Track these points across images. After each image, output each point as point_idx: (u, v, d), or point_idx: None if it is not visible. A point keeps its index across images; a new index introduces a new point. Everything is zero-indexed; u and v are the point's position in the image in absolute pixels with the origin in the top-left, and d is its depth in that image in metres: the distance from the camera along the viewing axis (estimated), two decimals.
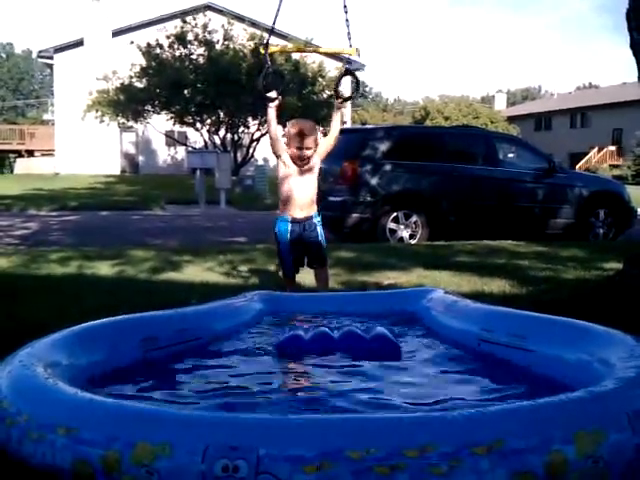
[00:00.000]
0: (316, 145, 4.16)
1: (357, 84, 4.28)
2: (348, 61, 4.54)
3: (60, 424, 1.83)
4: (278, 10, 4.17)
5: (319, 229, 4.28)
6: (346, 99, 4.31)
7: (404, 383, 2.57)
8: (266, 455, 1.62)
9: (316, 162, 4.19)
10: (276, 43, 22.18)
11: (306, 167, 4.16)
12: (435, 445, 1.64)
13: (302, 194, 4.17)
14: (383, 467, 1.60)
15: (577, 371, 2.44)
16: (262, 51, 4.21)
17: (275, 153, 4.23)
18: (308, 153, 4.11)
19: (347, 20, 4.15)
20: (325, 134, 4.50)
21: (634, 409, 1.84)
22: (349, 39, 4.21)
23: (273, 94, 4.09)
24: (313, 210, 4.25)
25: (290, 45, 23.56)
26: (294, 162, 4.15)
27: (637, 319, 3.43)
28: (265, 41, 4.29)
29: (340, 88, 4.23)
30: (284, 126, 4.47)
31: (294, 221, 4.19)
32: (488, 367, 2.80)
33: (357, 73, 4.42)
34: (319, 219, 4.30)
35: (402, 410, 2.25)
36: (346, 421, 1.83)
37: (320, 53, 4.43)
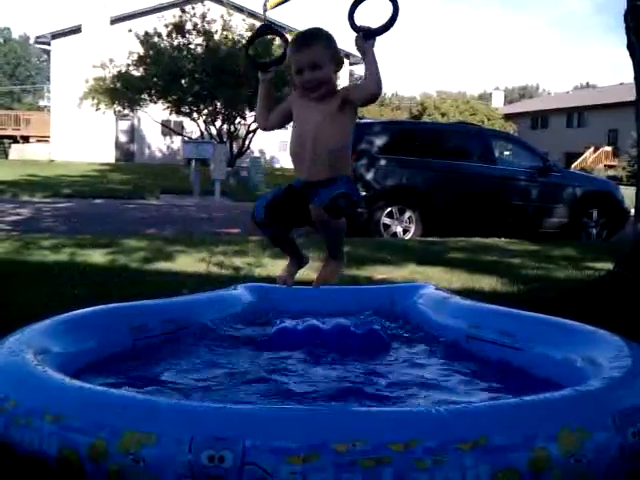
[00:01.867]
0: (334, 63, 2.59)
1: (396, 7, 2.51)
2: None
3: (48, 411, 1.83)
4: None
5: (340, 204, 2.58)
6: (375, 32, 2.50)
7: (392, 377, 2.58)
8: (252, 446, 1.63)
9: (345, 96, 2.58)
10: (270, 38, 22.20)
11: (321, 97, 2.59)
12: (420, 440, 1.65)
13: (317, 139, 2.59)
14: (368, 460, 1.61)
15: (563, 370, 2.45)
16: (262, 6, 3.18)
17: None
18: (316, 75, 2.54)
19: None
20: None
21: (619, 409, 1.85)
22: None
23: (267, 60, 2.84)
24: (336, 172, 2.63)
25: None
26: (303, 95, 2.65)
27: (626, 319, 3.45)
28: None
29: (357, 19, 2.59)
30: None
31: (300, 183, 2.69)
32: (476, 364, 2.81)
33: (356, 67, 3.32)
34: (344, 190, 2.58)
35: (389, 404, 2.26)
36: (332, 414, 1.84)
37: None
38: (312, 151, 2.56)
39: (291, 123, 2.76)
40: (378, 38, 2.49)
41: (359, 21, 2.56)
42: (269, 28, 2.94)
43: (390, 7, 2.51)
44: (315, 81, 2.52)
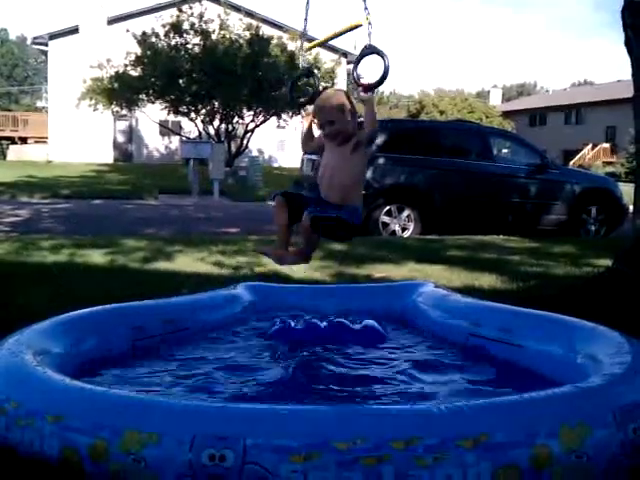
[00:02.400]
0: (348, 113, 3.16)
1: (385, 64, 3.17)
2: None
3: (48, 412, 1.83)
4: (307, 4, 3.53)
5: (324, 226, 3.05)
6: (372, 86, 3.18)
7: (391, 375, 2.58)
8: (253, 445, 1.62)
9: (356, 139, 3.16)
10: (269, 35, 22.06)
11: (339, 143, 3.19)
12: (421, 437, 1.65)
13: (333, 174, 3.15)
14: (369, 458, 1.61)
15: (564, 367, 2.45)
16: (298, 47, 3.76)
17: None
18: (332, 128, 3.15)
19: None
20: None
21: (619, 405, 1.85)
22: (365, 8, 3.32)
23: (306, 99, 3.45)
24: (345, 201, 3.10)
25: (285, 38, 23.50)
26: (326, 139, 3.26)
27: (625, 315, 3.45)
28: (303, 30, 3.54)
29: (359, 73, 3.34)
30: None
31: (318, 195, 3.19)
32: (476, 361, 2.81)
33: (353, 65, 3.73)
34: (339, 215, 3.02)
35: (389, 402, 2.26)
36: (333, 412, 1.84)
37: (338, 35, 3.66)
38: (329, 182, 3.17)
39: None
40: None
41: None
42: (374, 51, 3.30)
43: (382, 64, 3.19)
44: (333, 133, 3.17)
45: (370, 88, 3.20)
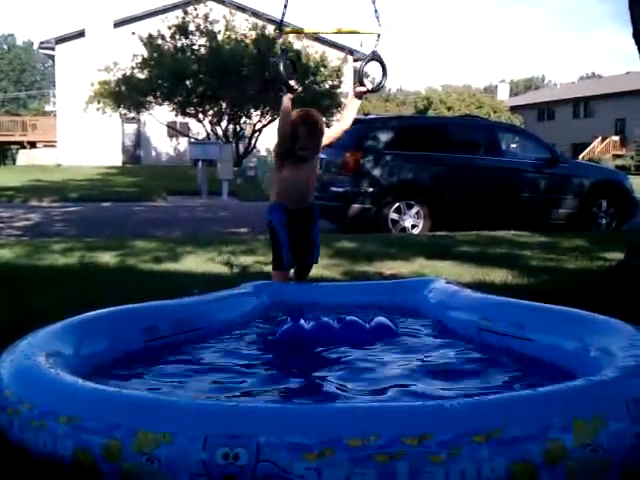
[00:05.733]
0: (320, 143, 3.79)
1: (385, 72, 3.77)
2: (358, 45, 4.32)
3: (61, 413, 1.84)
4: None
5: (317, 222, 3.97)
6: (372, 90, 3.81)
7: (403, 371, 2.57)
8: (266, 443, 1.62)
9: (320, 150, 3.84)
10: (273, 35, 21.98)
11: (309, 159, 3.78)
12: (434, 433, 1.64)
13: (305, 184, 3.79)
14: (383, 455, 1.61)
15: (577, 360, 2.44)
16: (274, 32, 4.07)
17: (281, 145, 3.77)
18: (309, 153, 3.75)
19: None
20: (328, 125, 4.08)
21: (633, 398, 1.84)
22: (377, 17, 3.69)
23: (293, 83, 3.61)
24: (312, 198, 3.90)
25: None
26: (297, 154, 3.73)
27: (638, 308, 3.43)
28: (280, 19, 3.80)
29: (366, 71, 3.79)
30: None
31: (296, 212, 3.81)
32: (488, 356, 2.80)
33: (360, 63, 3.98)
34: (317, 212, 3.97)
35: (401, 398, 2.26)
36: (346, 409, 1.84)
37: (343, 33, 3.96)
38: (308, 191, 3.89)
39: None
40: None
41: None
42: (377, 59, 3.78)
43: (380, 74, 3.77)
44: (310, 152, 3.73)
45: (371, 91, 3.80)
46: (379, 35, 3.78)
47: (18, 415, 1.92)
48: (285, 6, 3.76)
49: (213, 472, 1.63)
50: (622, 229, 9.90)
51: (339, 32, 4.20)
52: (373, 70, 3.96)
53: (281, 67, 3.55)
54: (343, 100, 23.92)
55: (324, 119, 4.12)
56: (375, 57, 3.75)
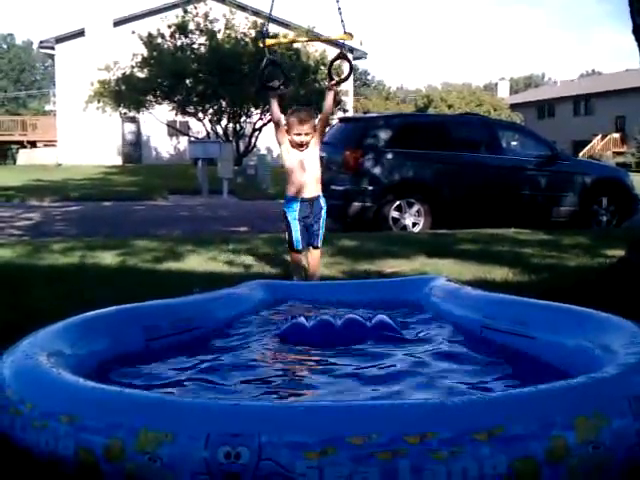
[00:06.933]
0: (314, 130, 4.48)
1: (350, 67, 4.68)
2: (342, 45, 5.02)
3: (63, 412, 1.84)
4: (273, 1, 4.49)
5: (324, 209, 4.60)
6: (338, 81, 4.63)
7: (405, 369, 2.57)
8: (268, 442, 1.62)
9: (315, 143, 4.50)
10: (275, 33, 22.04)
11: (306, 150, 4.48)
12: (436, 431, 1.64)
13: (307, 175, 4.50)
14: (384, 453, 1.61)
15: (578, 357, 2.44)
16: (260, 44, 4.64)
17: (278, 140, 4.56)
18: (307, 139, 4.44)
19: (339, 8, 4.48)
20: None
21: (635, 395, 1.84)
22: (343, 26, 4.49)
23: (275, 84, 4.43)
24: (319, 190, 4.58)
25: (290, 35, 23.46)
26: (294, 147, 4.48)
27: (639, 305, 3.42)
28: (264, 30, 4.65)
29: (333, 71, 4.56)
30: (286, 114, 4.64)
31: (302, 201, 4.52)
32: (490, 354, 2.80)
33: (360, 61, 4.91)
34: (324, 200, 4.62)
35: (403, 396, 2.25)
36: (348, 407, 1.84)
37: (315, 41, 4.96)
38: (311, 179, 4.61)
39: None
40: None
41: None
42: (343, 57, 4.63)
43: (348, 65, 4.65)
44: (306, 142, 4.46)
45: (337, 82, 4.60)
46: (345, 40, 4.64)
47: (20, 415, 1.92)
48: (269, 18, 4.62)
49: (215, 471, 1.62)
50: (623, 226, 9.89)
51: (311, 40, 4.96)
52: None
53: (264, 71, 4.34)
54: (343, 98, 24.00)
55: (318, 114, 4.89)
56: (341, 56, 4.61)
